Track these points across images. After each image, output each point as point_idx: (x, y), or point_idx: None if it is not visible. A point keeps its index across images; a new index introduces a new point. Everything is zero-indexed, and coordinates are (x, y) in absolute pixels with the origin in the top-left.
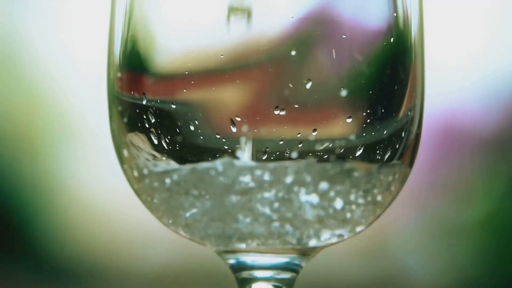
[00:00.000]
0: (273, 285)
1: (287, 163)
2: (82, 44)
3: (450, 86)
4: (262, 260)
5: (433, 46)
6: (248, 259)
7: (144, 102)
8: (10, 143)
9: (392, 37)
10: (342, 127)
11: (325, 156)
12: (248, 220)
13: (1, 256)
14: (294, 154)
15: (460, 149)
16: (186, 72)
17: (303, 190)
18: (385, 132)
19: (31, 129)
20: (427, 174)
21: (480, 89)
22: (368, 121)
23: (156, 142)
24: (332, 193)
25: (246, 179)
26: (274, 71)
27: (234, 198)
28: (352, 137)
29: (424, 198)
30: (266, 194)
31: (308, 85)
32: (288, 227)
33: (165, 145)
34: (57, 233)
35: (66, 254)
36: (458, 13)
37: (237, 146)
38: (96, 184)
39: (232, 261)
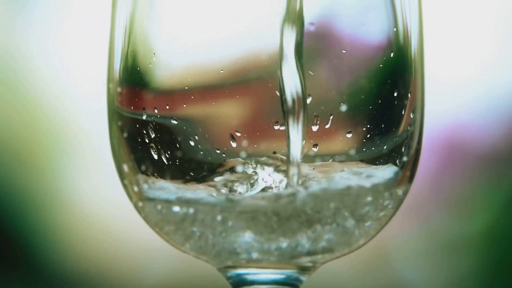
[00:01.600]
0: None
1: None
2: (83, 60)
3: (452, 102)
4: (262, 276)
5: (435, 61)
6: (248, 274)
7: (144, 117)
8: (12, 159)
9: (392, 52)
10: (342, 142)
11: (325, 171)
12: (248, 235)
13: (3, 270)
14: (294, 169)
15: (461, 163)
16: (186, 87)
17: (302, 206)
18: (385, 147)
19: (32, 144)
20: (429, 188)
21: (481, 104)
22: (368, 136)
23: (156, 157)
24: (331, 209)
25: (247, 195)
26: (274, 86)
27: (234, 214)
28: (352, 152)
29: (425, 211)
30: (266, 211)
31: (308, 100)
32: (288, 243)
33: (165, 160)
34: (59, 247)
35: (68, 268)
36: (461, 28)
37: (237, 161)
38: (97, 198)
39: (232, 277)
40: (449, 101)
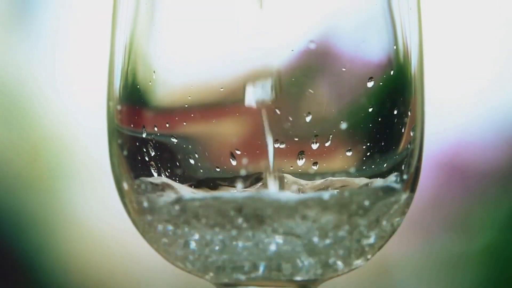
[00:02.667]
0: None
1: (288, 197)
2: (83, 79)
3: (452, 120)
4: None
5: (437, 79)
6: None
7: (144, 135)
8: (13, 178)
9: (392, 70)
10: (342, 160)
11: (326, 190)
12: (247, 253)
13: None
14: (294, 187)
15: (462, 181)
16: (186, 105)
17: (303, 224)
18: (385, 165)
19: (33, 163)
20: (429, 206)
21: (482, 123)
22: (368, 154)
23: (155, 175)
24: (332, 228)
25: (247, 212)
26: (274, 104)
27: (234, 232)
28: (352, 170)
29: (426, 229)
30: (266, 228)
31: (308, 118)
32: (288, 260)
33: (164, 178)
34: (61, 266)
35: (71, 287)
36: (462, 46)
37: (237, 179)
38: (99, 216)
39: None
40: (450, 119)
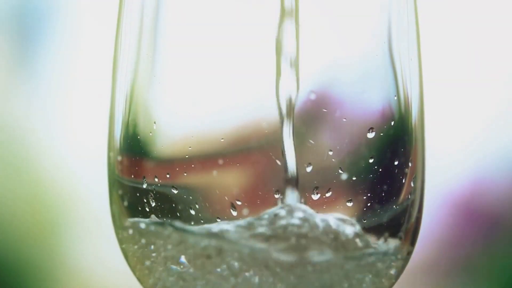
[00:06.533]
0: None
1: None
2: (84, 131)
3: (461, 165)
4: None
5: (445, 123)
6: None
7: (144, 186)
8: (15, 230)
9: (393, 120)
10: (342, 210)
11: (324, 241)
12: None
13: None
14: (294, 238)
15: (475, 225)
16: (187, 156)
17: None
18: (385, 216)
19: (34, 215)
20: (442, 249)
21: (492, 167)
22: (369, 205)
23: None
24: (334, 280)
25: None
26: (275, 154)
27: (233, 280)
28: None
29: (437, 273)
30: (263, 278)
31: (309, 169)
32: None
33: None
34: None
35: None
36: (468, 88)
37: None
38: (100, 268)
39: None
40: (458, 165)
